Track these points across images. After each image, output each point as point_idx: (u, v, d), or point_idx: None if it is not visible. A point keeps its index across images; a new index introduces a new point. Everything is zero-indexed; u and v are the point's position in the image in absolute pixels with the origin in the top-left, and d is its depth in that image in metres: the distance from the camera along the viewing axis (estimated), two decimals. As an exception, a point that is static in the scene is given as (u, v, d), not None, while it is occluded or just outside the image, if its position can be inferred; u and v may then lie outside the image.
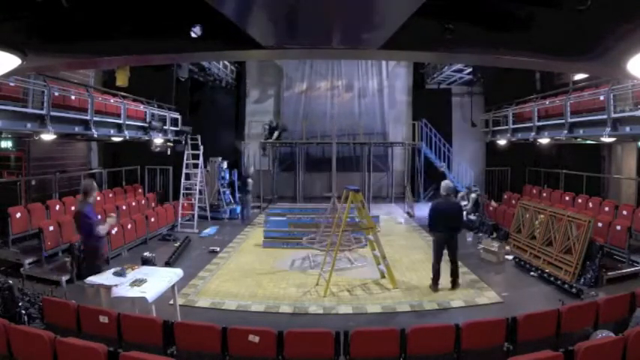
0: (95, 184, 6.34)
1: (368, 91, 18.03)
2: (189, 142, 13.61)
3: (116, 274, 5.28)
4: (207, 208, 13.87)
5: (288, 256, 9.75)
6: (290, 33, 2.71)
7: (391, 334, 4.37)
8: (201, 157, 13.60)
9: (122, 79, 11.94)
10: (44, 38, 2.71)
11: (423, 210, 16.15)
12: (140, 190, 13.54)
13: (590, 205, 10.87)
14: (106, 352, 3.63)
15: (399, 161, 17.73)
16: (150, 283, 5.11)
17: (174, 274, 5.69)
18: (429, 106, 18.09)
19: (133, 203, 11.99)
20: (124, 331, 4.53)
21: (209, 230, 12.35)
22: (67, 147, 12.59)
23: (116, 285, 5.02)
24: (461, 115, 18.15)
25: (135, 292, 4.92)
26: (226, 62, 17.05)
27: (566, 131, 10.08)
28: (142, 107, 12.33)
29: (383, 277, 8.12)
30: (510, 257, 9.44)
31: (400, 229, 13.09)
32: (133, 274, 5.36)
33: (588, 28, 2.46)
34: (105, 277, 5.24)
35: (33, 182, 10.79)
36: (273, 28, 2.64)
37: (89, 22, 2.70)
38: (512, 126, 13.14)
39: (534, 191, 13.66)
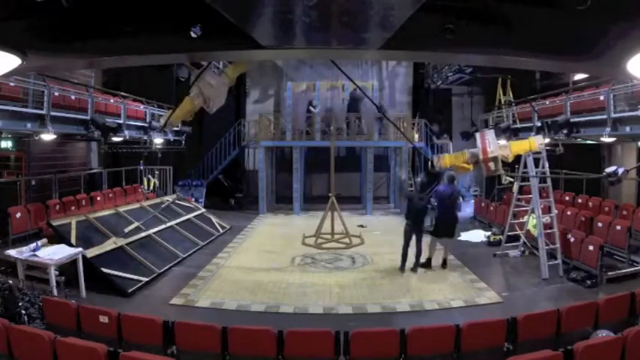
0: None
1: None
2: None
3: (32, 248, 6.66)
4: None
5: (288, 256, 9.75)
6: (290, 33, 2.70)
7: (391, 334, 4.38)
8: None
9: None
10: (44, 38, 2.70)
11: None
12: (140, 190, 13.54)
13: (590, 205, 10.87)
14: (106, 352, 3.63)
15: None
16: (48, 254, 6.61)
17: (75, 252, 6.96)
18: (429, 105, 18.18)
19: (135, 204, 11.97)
20: (124, 331, 4.53)
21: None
22: (67, 147, 12.59)
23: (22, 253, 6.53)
24: (461, 115, 18.15)
25: (28, 255, 6.51)
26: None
27: (566, 131, 10.07)
28: (141, 107, 12.34)
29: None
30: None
31: (400, 229, 13.06)
32: (43, 248, 6.77)
33: (588, 28, 2.46)
34: (20, 251, 6.61)
35: (33, 182, 10.78)
36: (273, 28, 2.64)
37: (89, 22, 2.70)
38: (513, 125, 13.15)
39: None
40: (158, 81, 13.77)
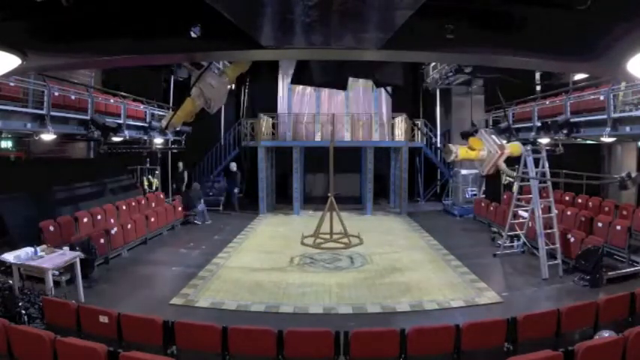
0: None
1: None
2: None
3: (30, 254, 6.51)
4: None
5: (287, 256, 9.75)
6: (290, 33, 2.70)
7: (391, 334, 4.37)
8: None
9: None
10: (44, 38, 2.70)
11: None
12: (140, 190, 13.54)
13: (590, 205, 10.87)
14: (106, 352, 3.63)
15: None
16: (45, 262, 6.42)
17: (74, 256, 6.87)
18: (429, 106, 18.22)
19: (133, 203, 11.99)
20: (124, 331, 4.53)
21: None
22: (67, 147, 12.57)
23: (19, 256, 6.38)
24: (461, 115, 18.13)
25: (24, 260, 6.34)
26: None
27: (566, 131, 10.06)
28: (141, 107, 12.33)
29: None
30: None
31: (400, 229, 13.10)
32: (43, 254, 6.63)
33: (588, 28, 2.46)
34: (17, 255, 6.41)
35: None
36: (273, 28, 2.64)
37: (89, 22, 2.70)
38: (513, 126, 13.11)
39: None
40: (157, 81, 13.80)
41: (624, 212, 9.59)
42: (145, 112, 12.35)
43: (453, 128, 18.17)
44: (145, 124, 12.06)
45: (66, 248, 7.21)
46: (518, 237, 9.89)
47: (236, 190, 15.72)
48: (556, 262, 8.34)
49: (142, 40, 2.81)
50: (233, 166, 16.08)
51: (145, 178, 13.91)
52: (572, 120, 9.88)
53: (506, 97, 12.76)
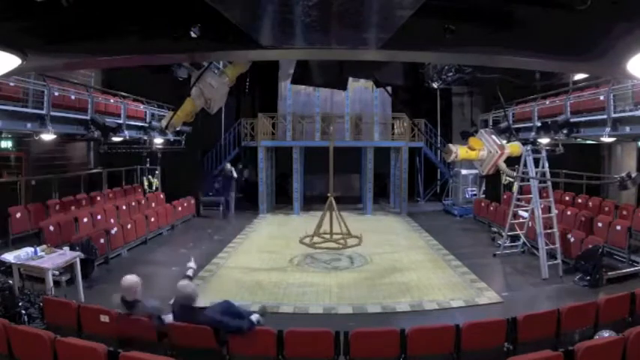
0: None
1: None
2: None
3: (30, 254, 6.49)
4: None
5: (287, 256, 9.75)
6: (290, 33, 2.70)
7: (391, 334, 4.37)
8: None
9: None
10: (44, 38, 2.70)
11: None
12: (140, 190, 13.55)
13: (590, 205, 10.87)
14: (106, 352, 3.63)
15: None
16: (45, 262, 6.39)
17: (74, 256, 6.87)
18: (429, 105, 18.22)
19: (133, 203, 11.99)
20: (124, 331, 4.53)
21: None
22: (67, 147, 12.57)
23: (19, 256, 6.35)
24: (461, 115, 18.15)
25: (24, 259, 6.33)
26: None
27: (566, 131, 10.05)
28: (142, 107, 12.33)
29: None
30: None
31: (400, 229, 13.10)
32: (43, 254, 6.59)
33: (588, 28, 2.46)
34: (17, 255, 6.39)
35: (33, 182, 10.77)
36: (273, 28, 2.63)
37: (89, 22, 2.70)
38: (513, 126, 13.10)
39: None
40: (157, 81, 13.76)
41: (624, 212, 9.59)
42: (145, 112, 12.35)
43: (453, 128, 18.21)
44: (145, 124, 12.05)
45: (66, 248, 7.23)
46: (518, 237, 9.89)
47: (232, 194, 15.03)
48: (556, 262, 8.35)
49: (142, 40, 2.81)
50: (229, 168, 15.09)
51: (144, 178, 13.91)
52: (572, 120, 9.87)
53: (506, 98, 12.79)
